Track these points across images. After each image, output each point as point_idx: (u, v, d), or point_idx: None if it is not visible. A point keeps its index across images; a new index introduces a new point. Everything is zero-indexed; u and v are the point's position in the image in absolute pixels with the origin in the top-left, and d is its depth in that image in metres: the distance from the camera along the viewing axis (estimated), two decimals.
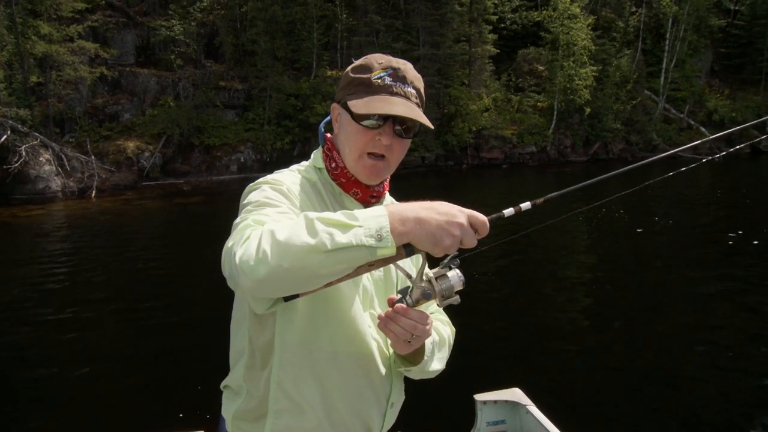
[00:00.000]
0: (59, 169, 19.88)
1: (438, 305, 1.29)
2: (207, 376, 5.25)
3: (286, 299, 1.18)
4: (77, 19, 22.47)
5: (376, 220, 1.11)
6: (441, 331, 1.63)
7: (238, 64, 26.28)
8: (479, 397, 3.10)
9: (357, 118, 1.40)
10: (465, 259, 1.27)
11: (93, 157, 20.98)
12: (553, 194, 1.40)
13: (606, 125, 30.16)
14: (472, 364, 5.71)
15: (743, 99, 34.41)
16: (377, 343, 1.47)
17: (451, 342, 1.67)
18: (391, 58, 1.46)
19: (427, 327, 1.32)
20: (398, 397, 1.57)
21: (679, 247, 10.88)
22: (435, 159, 26.73)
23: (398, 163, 1.49)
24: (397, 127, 1.41)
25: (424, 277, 1.27)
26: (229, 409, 1.49)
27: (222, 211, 16.96)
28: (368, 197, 1.53)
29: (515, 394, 3.11)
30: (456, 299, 1.27)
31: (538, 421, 2.87)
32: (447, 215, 1.14)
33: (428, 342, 1.47)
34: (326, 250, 1.06)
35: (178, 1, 25.73)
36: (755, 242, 10.77)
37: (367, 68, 1.44)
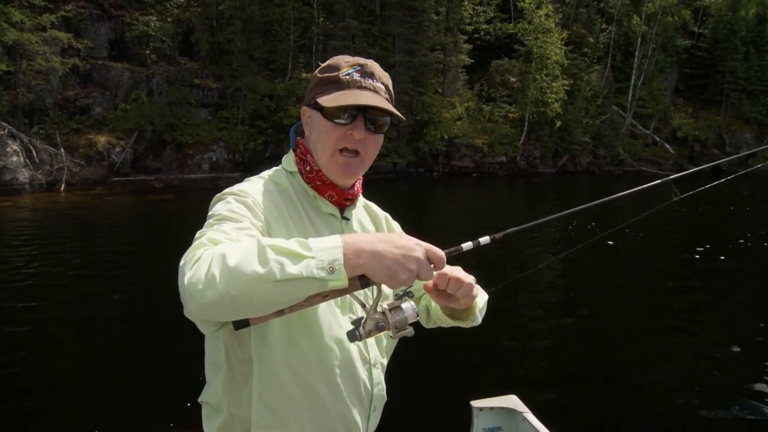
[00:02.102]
0: (27, 160, 19.62)
1: (391, 337, 1.29)
2: (176, 377, 5.31)
3: (237, 327, 1.15)
4: (50, 8, 22.15)
5: (329, 252, 1.09)
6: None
7: (213, 62, 26.20)
8: (476, 403, 3.08)
9: (328, 114, 1.40)
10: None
11: (62, 149, 20.76)
12: (512, 229, 1.46)
13: (575, 138, 30.88)
14: (469, 371, 5.71)
15: (705, 119, 35.58)
16: (358, 347, 1.46)
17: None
18: (357, 57, 1.47)
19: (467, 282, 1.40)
20: (380, 401, 1.55)
21: (655, 260, 11.15)
22: (406, 165, 27.01)
23: (372, 159, 1.49)
24: (369, 125, 1.42)
25: (378, 308, 1.26)
26: (210, 425, 1.45)
27: (194, 210, 16.85)
28: (343, 200, 1.52)
29: (512, 401, 3.09)
30: (410, 331, 1.27)
31: (535, 429, 2.86)
32: (404, 249, 1.13)
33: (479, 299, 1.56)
34: (275, 280, 1.05)
35: None
36: (722, 257, 11.12)
37: (335, 67, 1.44)
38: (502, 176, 28.44)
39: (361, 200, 1.66)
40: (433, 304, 1.66)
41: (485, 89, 32.17)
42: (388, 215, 1.75)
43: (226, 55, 25.80)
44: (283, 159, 1.57)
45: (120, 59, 24.98)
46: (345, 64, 1.44)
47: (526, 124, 29.88)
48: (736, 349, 6.47)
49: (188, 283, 1.08)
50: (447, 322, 1.67)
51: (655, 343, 6.64)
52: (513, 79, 32.05)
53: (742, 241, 12.57)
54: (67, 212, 16.10)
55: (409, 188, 23.43)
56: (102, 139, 22.01)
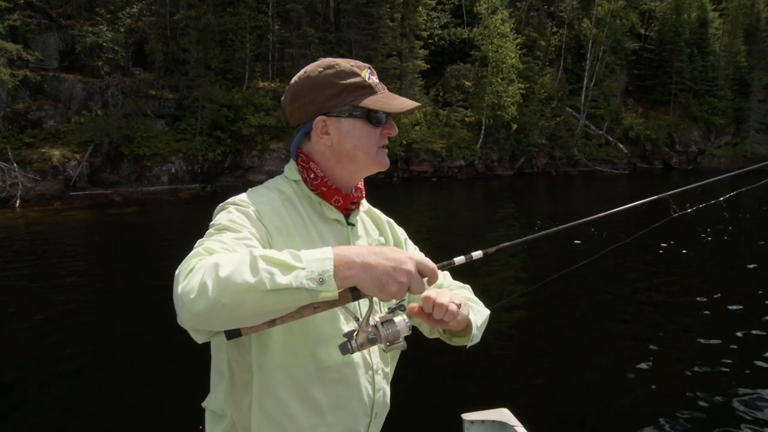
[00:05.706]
0: None
1: (384, 351, 1.29)
2: (146, 395, 5.30)
3: (228, 337, 1.15)
4: None
5: (320, 263, 1.10)
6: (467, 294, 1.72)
7: (169, 72, 25.83)
8: (467, 416, 3.03)
9: (372, 118, 1.46)
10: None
11: (15, 164, 20.22)
12: (505, 244, 1.48)
13: (531, 140, 31.53)
14: (460, 383, 5.68)
15: (655, 118, 36.85)
16: (360, 353, 1.46)
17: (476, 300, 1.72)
18: (349, 60, 1.51)
19: (453, 305, 1.37)
20: (382, 408, 1.55)
21: (641, 262, 10.97)
22: None
23: None
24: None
25: (370, 322, 1.26)
26: (213, 431, 1.49)
27: (159, 222, 16.55)
28: (349, 204, 1.56)
29: (503, 415, 3.03)
30: (402, 345, 1.28)
31: None
32: (395, 261, 1.14)
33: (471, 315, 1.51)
34: (265, 289, 1.06)
35: (105, 6, 25.10)
36: (683, 251, 11.35)
37: (352, 72, 1.47)
38: (461, 180, 28.80)
39: (365, 205, 1.69)
40: None
41: (441, 94, 32.59)
42: (391, 220, 1.79)
43: (182, 65, 25.44)
44: (285, 168, 1.59)
45: (71, 71, 24.37)
46: (356, 68, 1.48)
47: (483, 127, 30.36)
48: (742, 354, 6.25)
49: (181, 292, 1.10)
50: (447, 340, 1.65)
51: (651, 356, 6.49)
52: (468, 84, 32.55)
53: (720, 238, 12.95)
54: (26, 229, 15.63)
55: (371, 194, 23.22)
56: (57, 153, 21.47)
